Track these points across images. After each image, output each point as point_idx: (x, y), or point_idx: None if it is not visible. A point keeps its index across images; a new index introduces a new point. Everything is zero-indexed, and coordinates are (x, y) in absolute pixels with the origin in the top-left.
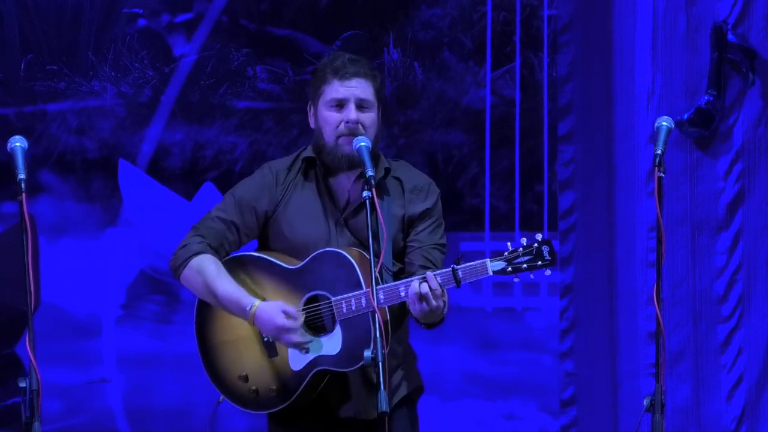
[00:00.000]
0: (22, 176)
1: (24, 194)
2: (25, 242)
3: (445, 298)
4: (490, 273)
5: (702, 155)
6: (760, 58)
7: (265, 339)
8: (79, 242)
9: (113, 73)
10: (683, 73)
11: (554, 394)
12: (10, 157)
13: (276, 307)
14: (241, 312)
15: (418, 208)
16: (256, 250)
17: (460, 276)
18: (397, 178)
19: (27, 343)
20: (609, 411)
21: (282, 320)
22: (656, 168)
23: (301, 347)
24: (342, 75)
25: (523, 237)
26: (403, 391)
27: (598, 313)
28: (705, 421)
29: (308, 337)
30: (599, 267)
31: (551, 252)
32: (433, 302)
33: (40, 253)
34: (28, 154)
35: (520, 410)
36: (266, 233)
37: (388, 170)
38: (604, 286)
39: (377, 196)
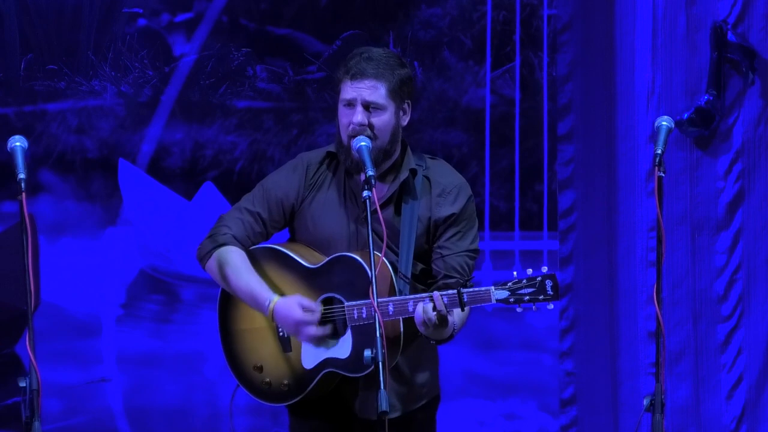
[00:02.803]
0: (22, 176)
1: (24, 194)
2: (25, 242)
3: (452, 318)
4: (494, 301)
5: (702, 155)
6: (760, 57)
7: (281, 333)
8: (79, 242)
9: (113, 73)
10: (683, 72)
11: (554, 393)
12: (10, 156)
13: (294, 302)
14: (260, 307)
15: (444, 212)
16: (288, 241)
17: (465, 300)
18: (428, 178)
19: (27, 343)
20: (609, 411)
21: (300, 314)
22: (656, 167)
23: (320, 340)
24: (353, 75)
25: (530, 268)
26: (424, 399)
27: (598, 312)
28: (705, 420)
29: (326, 329)
30: (599, 267)
31: (554, 287)
32: (435, 322)
33: (40, 253)
34: (28, 154)
35: (520, 410)
36: (293, 225)
37: (414, 171)
38: (604, 285)
39: (402, 199)
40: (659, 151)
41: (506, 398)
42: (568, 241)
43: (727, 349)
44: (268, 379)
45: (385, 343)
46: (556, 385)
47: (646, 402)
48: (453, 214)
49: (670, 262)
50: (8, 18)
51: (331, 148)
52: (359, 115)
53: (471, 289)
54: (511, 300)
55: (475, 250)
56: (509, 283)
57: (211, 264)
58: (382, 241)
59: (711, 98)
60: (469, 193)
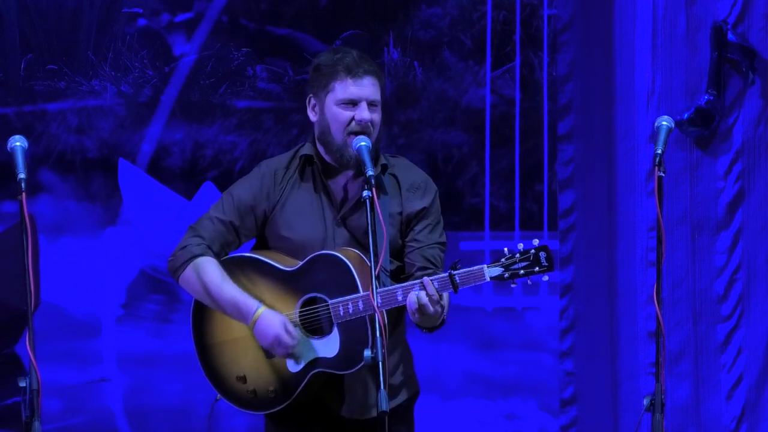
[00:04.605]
0: (22, 176)
1: (24, 194)
2: (25, 242)
3: (444, 303)
4: (488, 279)
5: (702, 155)
6: (760, 57)
7: None
8: (79, 242)
9: (113, 73)
10: (683, 72)
11: (554, 393)
12: (10, 156)
13: (279, 320)
14: (245, 316)
15: (416, 206)
16: (253, 248)
17: (458, 281)
18: (394, 176)
19: (27, 343)
20: (609, 410)
21: (281, 332)
22: (656, 167)
23: (293, 358)
24: (355, 73)
25: (521, 242)
26: (403, 396)
27: (598, 312)
28: (705, 420)
29: (299, 350)
30: (599, 266)
31: (548, 258)
32: (431, 308)
33: (40, 253)
34: (28, 154)
35: (520, 410)
36: (264, 233)
37: (385, 167)
38: (604, 285)
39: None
40: (659, 151)
41: (506, 398)
42: (568, 241)
43: (727, 349)
44: (252, 388)
45: (385, 343)
46: (556, 385)
47: (646, 402)
48: (424, 208)
49: (670, 262)
50: (8, 18)
51: (307, 150)
52: (366, 113)
53: (462, 270)
54: (506, 276)
55: (444, 243)
56: (502, 260)
57: (187, 275)
58: (364, 243)
59: (711, 98)
60: (435, 188)
